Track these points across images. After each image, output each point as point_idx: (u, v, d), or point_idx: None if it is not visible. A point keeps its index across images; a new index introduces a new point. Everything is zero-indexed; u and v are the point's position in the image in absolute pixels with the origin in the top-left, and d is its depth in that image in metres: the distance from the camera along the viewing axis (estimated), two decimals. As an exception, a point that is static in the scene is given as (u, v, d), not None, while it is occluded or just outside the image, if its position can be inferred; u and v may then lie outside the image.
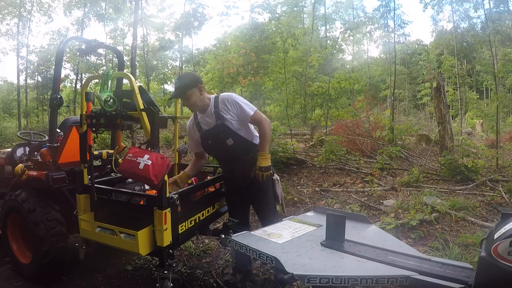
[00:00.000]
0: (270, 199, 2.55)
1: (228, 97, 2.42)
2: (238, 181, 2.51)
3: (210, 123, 2.42)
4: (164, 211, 1.95)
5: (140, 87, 2.06)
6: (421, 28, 75.77)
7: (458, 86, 24.15)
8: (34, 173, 2.80)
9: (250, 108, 2.41)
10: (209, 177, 2.96)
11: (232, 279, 2.72)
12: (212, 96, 2.48)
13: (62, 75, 15.87)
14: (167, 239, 1.99)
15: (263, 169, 2.34)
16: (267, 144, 2.46)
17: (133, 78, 2.09)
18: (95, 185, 2.20)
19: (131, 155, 1.93)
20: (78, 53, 4.72)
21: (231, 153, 2.43)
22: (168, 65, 23.02)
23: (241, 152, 2.43)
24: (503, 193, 5.09)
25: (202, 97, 2.40)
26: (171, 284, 2.06)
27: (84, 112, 2.16)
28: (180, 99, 2.57)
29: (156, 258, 2.29)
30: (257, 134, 2.54)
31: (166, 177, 1.95)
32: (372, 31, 28.73)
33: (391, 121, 9.55)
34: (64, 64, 17.03)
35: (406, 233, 3.71)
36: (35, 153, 3.14)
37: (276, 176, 2.58)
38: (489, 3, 19.51)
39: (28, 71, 19.26)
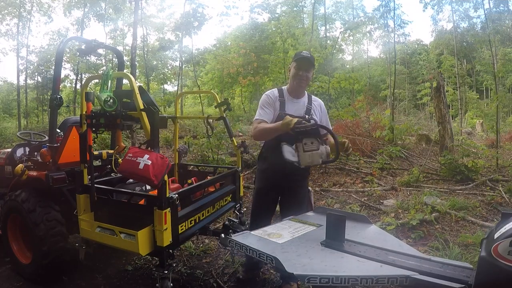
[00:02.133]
0: (304, 204, 2.54)
1: (322, 103, 2.56)
2: (282, 178, 2.45)
3: (297, 112, 2.39)
4: (164, 211, 1.95)
5: (140, 87, 2.06)
6: (421, 28, 75.95)
7: (458, 86, 24.15)
8: (34, 173, 2.80)
9: (329, 124, 2.59)
10: (209, 177, 2.96)
11: (243, 276, 2.77)
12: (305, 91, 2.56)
13: (62, 75, 15.86)
14: (167, 239, 1.99)
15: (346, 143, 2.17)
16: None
17: (133, 78, 2.09)
18: (95, 185, 2.20)
19: (131, 155, 1.93)
20: (78, 53, 4.71)
21: None
22: (168, 65, 23.01)
23: None
24: (503, 193, 5.10)
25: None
26: (171, 284, 2.06)
27: (84, 112, 2.16)
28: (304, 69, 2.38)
29: (156, 258, 2.29)
30: None
31: (166, 177, 1.95)
32: (372, 31, 28.81)
33: (391, 121, 9.55)
34: (64, 64, 17.03)
35: (406, 233, 3.71)
36: (35, 153, 3.14)
37: (310, 188, 2.63)
38: (489, 3, 19.57)
39: (28, 72, 19.25)
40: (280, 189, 2.55)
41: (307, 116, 2.37)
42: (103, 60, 18.82)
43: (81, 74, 19.15)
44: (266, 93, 2.54)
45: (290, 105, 2.43)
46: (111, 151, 3.18)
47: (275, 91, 2.53)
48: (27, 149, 3.33)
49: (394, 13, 19.62)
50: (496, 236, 1.16)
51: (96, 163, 3.09)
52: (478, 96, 27.09)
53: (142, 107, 1.97)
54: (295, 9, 25.80)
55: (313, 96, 2.55)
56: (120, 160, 3.00)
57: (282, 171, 2.39)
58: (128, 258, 3.20)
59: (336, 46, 24.49)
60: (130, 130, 2.55)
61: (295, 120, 1.98)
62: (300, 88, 2.43)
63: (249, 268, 2.79)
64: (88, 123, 2.14)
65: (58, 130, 3.13)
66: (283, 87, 2.54)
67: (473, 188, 5.59)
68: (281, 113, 2.38)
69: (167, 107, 17.41)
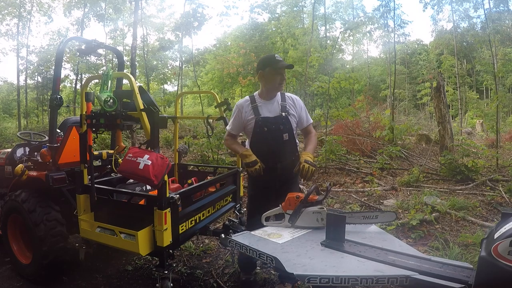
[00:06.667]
0: None
1: (297, 98, 2.59)
2: (271, 180, 2.46)
3: (273, 112, 2.46)
4: (164, 211, 1.95)
5: (140, 87, 2.06)
6: (421, 28, 75.82)
7: (458, 86, 24.15)
8: (34, 173, 2.80)
9: (309, 117, 2.61)
10: (209, 177, 2.96)
11: (245, 278, 2.75)
12: None
13: (62, 76, 15.86)
14: (167, 239, 1.99)
15: (309, 162, 2.26)
16: (313, 150, 2.49)
17: (133, 78, 2.09)
18: (95, 185, 2.20)
19: (131, 155, 1.93)
20: (78, 53, 4.71)
21: (281, 148, 2.44)
22: (168, 65, 23.02)
23: (289, 151, 2.47)
24: (503, 192, 5.09)
25: None
26: (171, 284, 2.06)
27: (84, 112, 2.16)
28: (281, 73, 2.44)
29: (156, 258, 2.29)
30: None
31: (166, 177, 1.95)
32: (372, 31, 28.79)
33: (391, 121, 9.55)
34: (64, 64, 17.04)
35: (406, 233, 3.71)
36: (35, 153, 3.14)
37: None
38: (489, 3, 19.59)
39: (28, 72, 19.28)
40: (274, 190, 2.50)
41: (283, 114, 2.43)
42: (103, 60, 18.86)
43: (81, 74, 19.17)
44: (237, 103, 2.58)
45: (265, 107, 2.47)
46: (111, 151, 3.18)
47: (246, 98, 2.56)
48: (27, 149, 3.33)
49: (394, 13, 19.69)
50: (496, 236, 1.16)
51: (96, 163, 3.09)
52: (478, 96, 27.10)
53: (142, 107, 1.97)
54: (295, 9, 25.80)
55: (286, 93, 2.57)
56: (120, 160, 3.00)
57: (272, 173, 2.43)
58: (128, 258, 3.20)
59: (336, 46, 24.52)
60: (130, 130, 2.55)
61: (253, 159, 2.33)
62: (280, 89, 2.51)
63: (245, 269, 2.77)
64: (88, 123, 2.14)
65: (58, 130, 3.14)
66: (255, 93, 2.58)
67: (473, 188, 5.59)
68: (257, 118, 2.43)
69: (167, 107, 17.41)
